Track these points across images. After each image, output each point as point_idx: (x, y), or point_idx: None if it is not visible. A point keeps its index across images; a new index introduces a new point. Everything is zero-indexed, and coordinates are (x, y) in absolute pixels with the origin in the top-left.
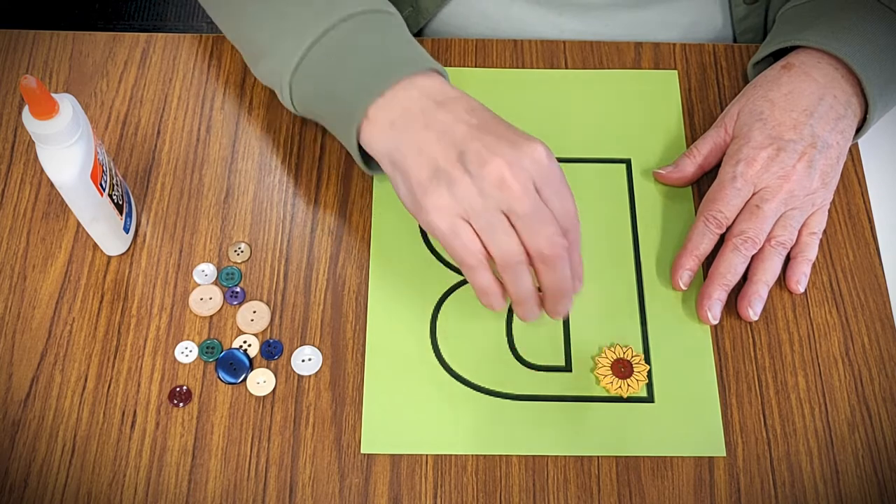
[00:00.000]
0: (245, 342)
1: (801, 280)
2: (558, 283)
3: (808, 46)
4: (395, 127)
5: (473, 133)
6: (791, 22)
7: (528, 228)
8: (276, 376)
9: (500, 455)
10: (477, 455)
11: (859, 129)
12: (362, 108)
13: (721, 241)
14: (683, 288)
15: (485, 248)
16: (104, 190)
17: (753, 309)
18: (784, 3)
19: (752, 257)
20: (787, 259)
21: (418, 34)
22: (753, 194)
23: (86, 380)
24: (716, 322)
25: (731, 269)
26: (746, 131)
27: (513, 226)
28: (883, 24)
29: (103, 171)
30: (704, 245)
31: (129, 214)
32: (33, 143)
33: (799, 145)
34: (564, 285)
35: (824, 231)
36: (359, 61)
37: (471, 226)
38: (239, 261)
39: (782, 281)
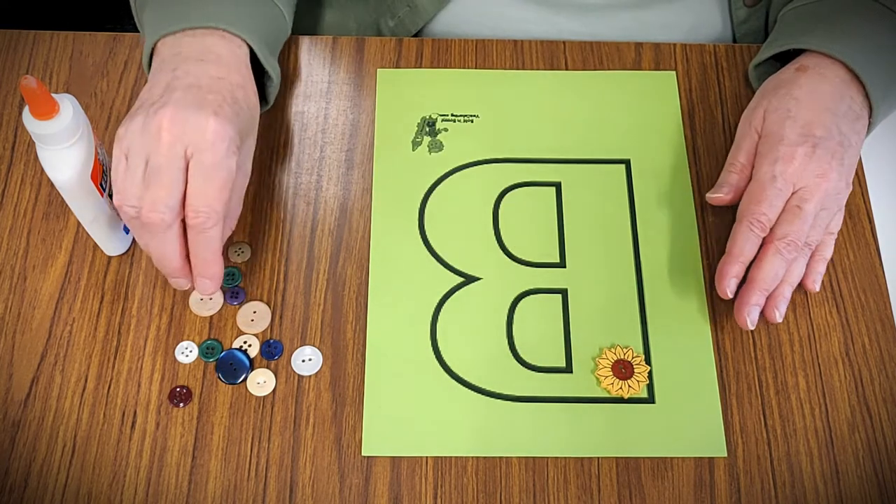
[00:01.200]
0: (245, 342)
1: (816, 279)
2: (155, 252)
3: (814, 50)
4: (162, 63)
5: (188, 87)
6: (792, 24)
7: (146, 183)
8: (276, 376)
9: (501, 456)
10: (477, 456)
11: None
12: (153, 40)
13: None
14: (730, 296)
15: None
16: (104, 190)
17: (780, 310)
18: (785, 5)
19: None
20: None
21: (417, 35)
22: (794, 194)
23: (86, 380)
24: (753, 327)
25: (772, 273)
26: (777, 129)
27: None
28: (884, 26)
29: (103, 171)
30: (749, 249)
31: None
32: (34, 143)
33: (830, 143)
34: (163, 262)
35: None
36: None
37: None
38: (239, 261)
39: None
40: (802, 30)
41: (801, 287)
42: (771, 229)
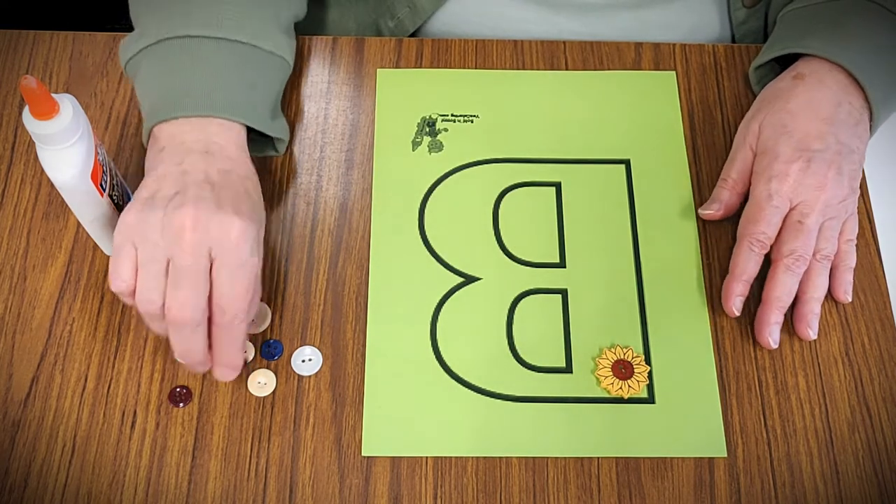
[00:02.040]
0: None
1: (847, 289)
2: (181, 347)
3: (813, 55)
4: (162, 152)
5: (201, 184)
6: (792, 26)
7: (173, 282)
8: (276, 377)
9: (501, 456)
10: (477, 456)
11: None
12: (149, 125)
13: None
14: (736, 314)
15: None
16: (104, 190)
17: (812, 328)
18: (784, 6)
19: None
20: (830, 269)
21: (415, 34)
22: (793, 209)
23: (86, 380)
24: (776, 346)
25: (786, 290)
26: (772, 145)
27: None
28: (883, 27)
29: (103, 171)
30: (751, 268)
31: None
32: (34, 143)
33: (826, 154)
34: (188, 356)
35: None
36: (167, 79)
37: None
38: None
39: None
40: (802, 33)
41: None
42: (777, 247)
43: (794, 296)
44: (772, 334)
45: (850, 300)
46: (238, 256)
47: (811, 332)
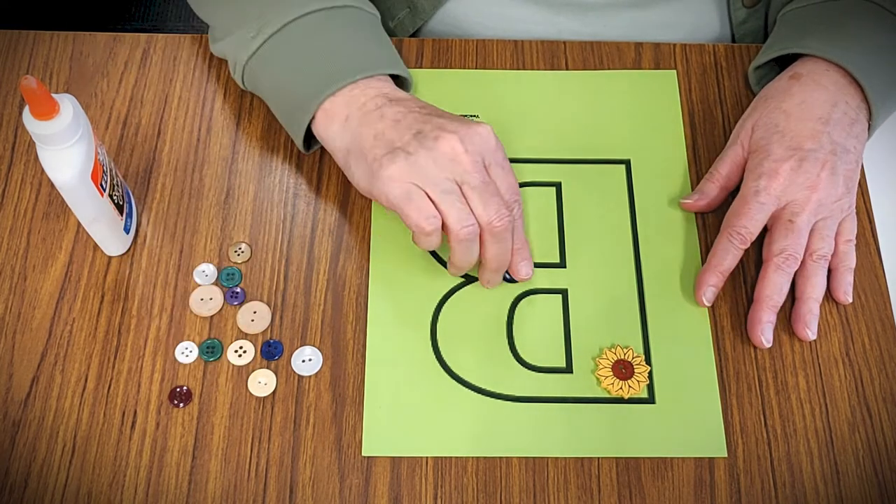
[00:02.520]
0: (241, 347)
1: (847, 290)
2: (502, 254)
3: (810, 55)
4: (350, 120)
5: (425, 118)
6: (792, 25)
7: (480, 200)
8: (276, 377)
9: (501, 456)
10: (477, 456)
11: None
12: (316, 102)
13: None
14: (707, 304)
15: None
16: (104, 190)
17: (810, 329)
18: (784, 6)
19: (796, 274)
20: (829, 270)
21: (415, 34)
22: (783, 209)
23: (86, 380)
24: (770, 345)
25: (776, 289)
26: (765, 145)
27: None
28: (882, 27)
29: (104, 171)
30: (728, 261)
31: (129, 215)
32: (34, 143)
33: (820, 154)
34: (506, 257)
35: None
36: (318, 57)
37: (426, 194)
38: (239, 261)
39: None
40: (801, 33)
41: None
42: (768, 246)
43: (785, 295)
44: (764, 333)
45: (850, 301)
46: (501, 152)
47: (809, 333)
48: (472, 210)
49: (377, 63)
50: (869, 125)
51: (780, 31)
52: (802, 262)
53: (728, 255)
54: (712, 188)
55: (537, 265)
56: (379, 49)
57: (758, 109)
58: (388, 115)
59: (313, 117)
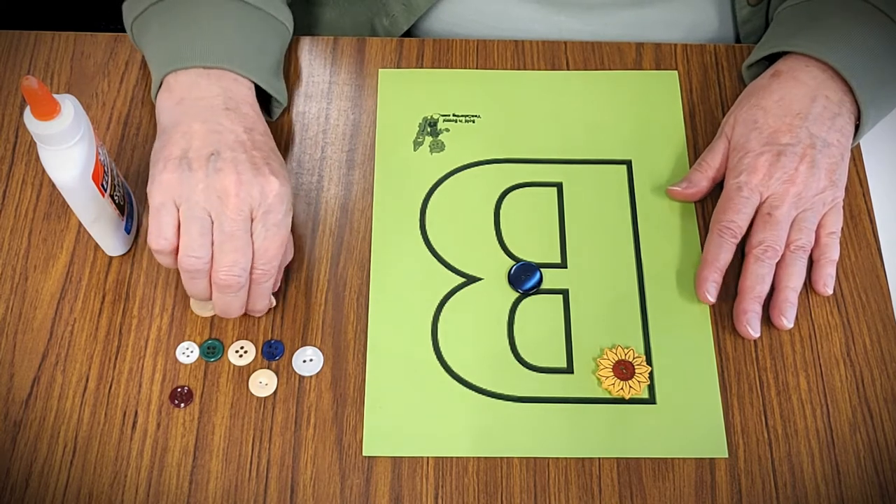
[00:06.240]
0: (242, 347)
1: (827, 282)
2: (226, 306)
3: (794, 52)
4: (181, 104)
5: (234, 145)
6: (785, 24)
7: (219, 246)
8: (277, 377)
9: (502, 456)
10: (478, 456)
11: (857, 131)
12: (163, 72)
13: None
14: (711, 300)
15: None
16: (105, 190)
17: (787, 317)
18: (781, 3)
19: (776, 265)
20: (812, 262)
21: (412, 32)
22: (764, 202)
23: (87, 380)
24: (757, 335)
25: (758, 280)
26: (744, 142)
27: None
28: (873, 26)
29: (105, 171)
30: (724, 256)
31: (130, 215)
32: (35, 143)
33: (797, 148)
34: (229, 309)
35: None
36: (188, 31)
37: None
38: None
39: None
40: (790, 31)
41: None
42: (749, 239)
43: (768, 286)
44: (749, 323)
45: (830, 293)
46: (276, 216)
47: (786, 321)
48: (211, 249)
49: (244, 62)
50: (860, 120)
51: (773, 29)
52: (782, 254)
53: (721, 250)
54: (700, 178)
55: (539, 265)
56: (258, 55)
57: (740, 106)
58: (210, 122)
59: (161, 85)
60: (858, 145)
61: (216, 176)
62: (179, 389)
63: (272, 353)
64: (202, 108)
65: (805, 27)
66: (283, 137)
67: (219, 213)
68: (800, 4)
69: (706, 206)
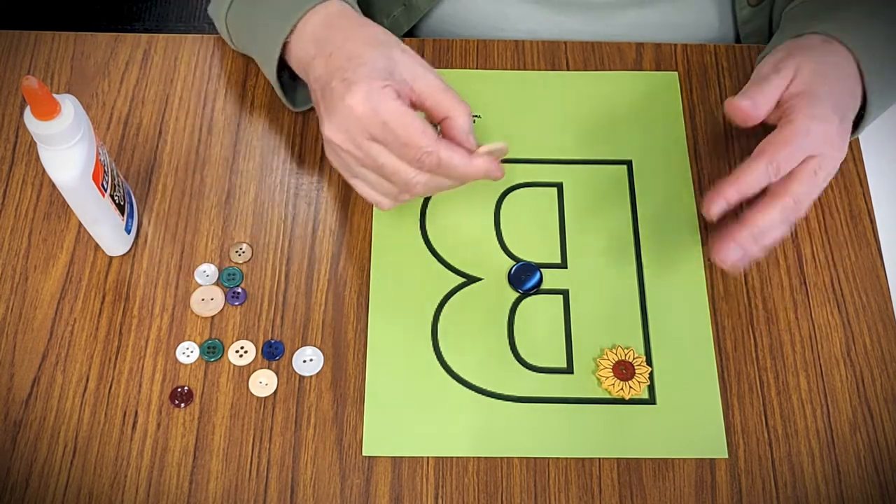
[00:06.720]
0: (242, 347)
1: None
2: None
3: (828, 35)
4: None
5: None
6: (798, 20)
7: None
8: (277, 377)
9: (502, 456)
10: (478, 456)
11: (856, 126)
12: (286, 31)
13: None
14: (712, 217)
15: None
16: (106, 190)
17: (728, 255)
18: (789, 3)
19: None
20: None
21: (413, 32)
22: (813, 158)
23: (87, 380)
24: (724, 266)
25: (771, 223)
26: (815, 90)
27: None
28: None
29: (105, 171)
30: (754, 183)
31: (130, 215)
32: (35, 143)
33: (847, 124)
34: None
35: (825, 230)
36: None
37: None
38: (240, 261)
39: (782, 281)
40: (813, 19)
41: (800, 287)
42: (786, 184)
43: (773, 234)
44: (730, 252)
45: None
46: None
47: (721, 258)
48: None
49: None
50: (863, 114)
51: (787, 24)
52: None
53: (757, 181)
54: (763, 104)
55: (539, 265)
56: None
57: (797, 55)
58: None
59: (287, 47)
60: (858, 144)
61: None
62: (179, 389)
63: (272, 353)
64: (333, 31)
65: (828, 16)
66: (282, 137)
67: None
68: (808, 2)
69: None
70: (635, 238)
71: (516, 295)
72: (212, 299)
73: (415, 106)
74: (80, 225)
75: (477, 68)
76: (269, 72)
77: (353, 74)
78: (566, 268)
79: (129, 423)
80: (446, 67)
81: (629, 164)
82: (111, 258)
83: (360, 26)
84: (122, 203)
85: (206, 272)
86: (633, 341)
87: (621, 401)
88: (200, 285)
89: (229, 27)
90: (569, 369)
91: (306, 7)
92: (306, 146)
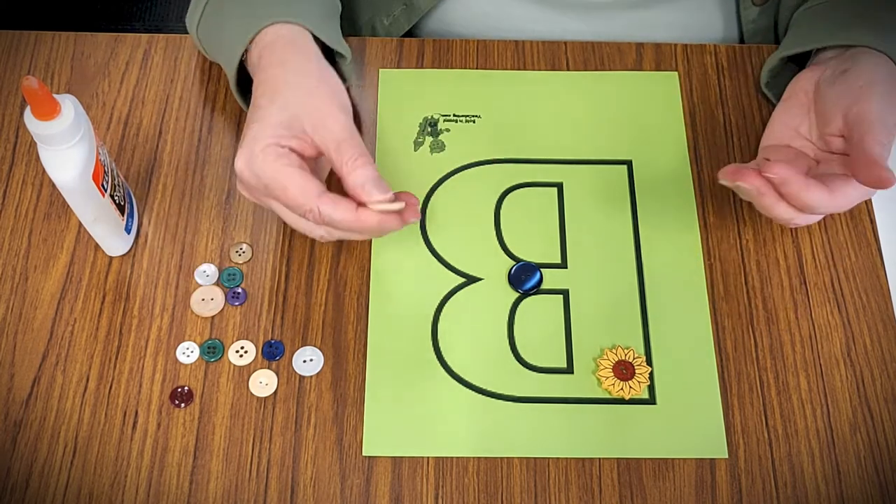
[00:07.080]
0: (242, 347)
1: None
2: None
3: (866, 46)
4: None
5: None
6: (810, 24)
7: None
8: (277, 377)
9: (502, 457)
10: (478, 456)
11: None
12: (238, 53)
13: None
14: (727, 182)
15: None
16: (106, 190)
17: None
18: (798, 6)
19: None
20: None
21: (413, 32)
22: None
23: (87, 380)
24: (726, 183)
25: (813, 202)
26: (885, 119)
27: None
28: None
29: (105, 171)
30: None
31: (130, 215)
32: (35, 143)
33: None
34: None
35: (825, 230)
36: (246, 5)
37: None
38: (240, 261)
39: (782, 281)
40: (840, 26)
41: (800, 286)
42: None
43: (796, 215)
44: (746, 178)
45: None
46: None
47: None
48: None
49: (298, 12)
50: None
51: (798, 30)
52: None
53: (795, 162)
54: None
55: (539, 265)
56: (310, 4)
57: (844, 100)
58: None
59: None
60: None
61: None
62: (180, 389)
63: (272, 353)
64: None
65: (854, 22)
66: None
67: None
68: (820, 5)
69: (706, 206)
70: (635, 238)
71: (516, 295)
72: (212, 299)
73: (320, 154)
74: (80, 225)
75: (477, 68)
76: (232, 86)
77: (247, 129)
78: (566, 268)
79: (130, 423)
80: (446, 67)
81: (629, 164)
82: (111, 258)
83: (288, 62)
84: (122, 203)
85: (207, 272)
86: (633, 341)
87: (621, 401)
88: (200, 285)
89: (201, 39)
90: (569, 369)
91: (262, 24)
92: None
